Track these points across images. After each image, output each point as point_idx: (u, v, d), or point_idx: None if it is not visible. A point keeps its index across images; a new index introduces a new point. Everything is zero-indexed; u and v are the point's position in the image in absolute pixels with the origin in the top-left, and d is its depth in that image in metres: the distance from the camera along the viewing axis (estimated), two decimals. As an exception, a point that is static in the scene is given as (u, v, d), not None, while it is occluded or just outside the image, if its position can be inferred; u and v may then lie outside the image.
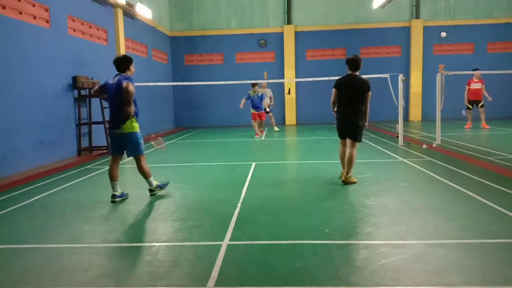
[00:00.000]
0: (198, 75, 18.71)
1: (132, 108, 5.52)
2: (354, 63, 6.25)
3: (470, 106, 14.16)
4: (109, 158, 9.70)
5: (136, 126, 5.68)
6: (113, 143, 5.78)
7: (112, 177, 5.68)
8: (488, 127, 13.95)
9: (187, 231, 4.33)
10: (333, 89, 6.32)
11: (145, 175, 5.82)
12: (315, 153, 9.79)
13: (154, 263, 3.46)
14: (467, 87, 14.21)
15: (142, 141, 5.76)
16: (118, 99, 5.49)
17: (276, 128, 15.43)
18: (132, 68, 5.76)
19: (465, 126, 14.20)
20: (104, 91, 5.72)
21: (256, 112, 13.80)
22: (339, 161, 6.61)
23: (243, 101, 13.94)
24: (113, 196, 5.61)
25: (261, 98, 13.84)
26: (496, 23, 18.48)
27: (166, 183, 6.10)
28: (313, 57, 19.11)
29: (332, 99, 6.38)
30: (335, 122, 6.59)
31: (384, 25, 18.74)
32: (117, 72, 5.67)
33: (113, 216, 4.93)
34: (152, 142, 6.64)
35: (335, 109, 6.47)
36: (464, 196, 5.31)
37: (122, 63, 5.65)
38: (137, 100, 5.84)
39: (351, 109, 6.24)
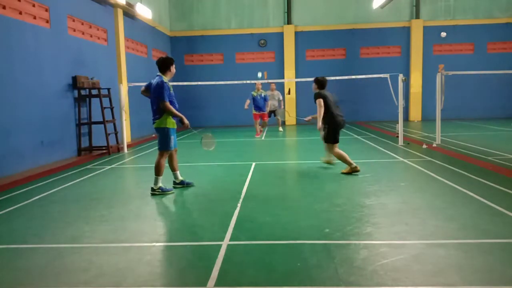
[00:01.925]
0: (198, 75, 18.70)
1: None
2: (324, 83, 7.22)
3: None
4: (109, 158, 9.75)
5: (170, 122, 5.89)
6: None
7: (171, 168, 6.30)
8: None
9: (187, 231, 4.33)
10: (321, 100, 6.95)
11: (157, 170, 5.93)
12: (315, 153, 9.78)
13: (154, 263, 3.46)
14: None
15: (171, 138, 5.95)
16: (153, 97, 5.87)
17: (280, 129, 15.57)
18: (173, 69, 6.06)
19: None
20: (148, 90, 6.06)
21: (257, 113, 13.74)
22: (349, 160, 6.98)
23: (247, 102, 13.89)
24: (174, 182, 6.30)
25: (265, 99, 13.71)
26: (496, 23, 18.48)
27: (169, 189, 6.10)
28: (313, 57, 19.12)
29: (322, 110, 6.92)
30: (330, 130, 7.08)
31: (384, 25, 18.74)
32: (158, 73, 5.97)
33: (113, 216, 4.93)
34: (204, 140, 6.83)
35: (320, 123, 7.11)
36: (464, 196, 5.31)
37: (164, 64, 5.95)
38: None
39: (340, 113, 7.20)
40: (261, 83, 13.84)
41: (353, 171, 6.91)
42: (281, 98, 15.18)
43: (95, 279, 3.18)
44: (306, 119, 7.82)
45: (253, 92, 13.76)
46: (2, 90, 7.56)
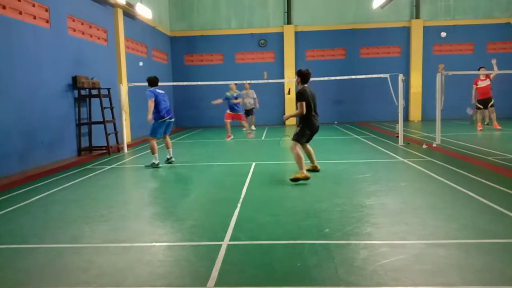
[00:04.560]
0: (198, 75, 18.71)
1: None
2: (308, 76, 6.60)
3: (480, 106, 13.67)
4: (109, 158, 9.75)
5: None
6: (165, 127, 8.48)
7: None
8: (499, 127, 13.47)
9: (187, 231, 4.33)
10: (303, 102, 6.38)
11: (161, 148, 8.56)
12: (315, 153, 9.76)
13: (154, 263, 3.46)
14: (474, 86, 13.75)
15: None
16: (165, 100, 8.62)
17: (253, 127, 15.77)
18: None
19: (478, 128, 13.44)
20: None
21: (231, 112, 12.92)
22: (303, 165, 6.40)
23: (218, 101, 12.92)
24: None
25: (235, 98, 12.80)
26: (496, 23, 18.48)
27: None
28: (313, 57, 19.12)
29: (303, 111, 6.40)
30: (303, 129, 6.61)
31: (384, 25, 18.74)
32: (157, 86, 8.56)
33: (113, 216, 4.93)
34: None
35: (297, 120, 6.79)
36: (464, 196, 5.31)
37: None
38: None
39: (317, 116, 6.72)
40: (236, 84, 13.10)
41: (303, 178, 6.30)
42: (255, 96, 15.24)
43: (95, 279, 3.18)
44: (285, 118, 7.19)
45: (227, 93, 12.91)
46: (2, 90, 7.56)
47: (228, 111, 12.99)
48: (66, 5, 9.97)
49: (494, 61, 13.65)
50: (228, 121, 13.01)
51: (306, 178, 6.33)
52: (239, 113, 13.06)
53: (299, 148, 6.54)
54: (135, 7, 13.40)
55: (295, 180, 6.32)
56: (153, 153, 8.19)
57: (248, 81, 14.32)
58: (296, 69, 18.89)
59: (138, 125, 14.00)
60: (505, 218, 4.38)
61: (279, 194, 5.80)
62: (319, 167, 7.26)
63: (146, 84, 8.72)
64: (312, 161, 7.25)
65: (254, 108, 15.48)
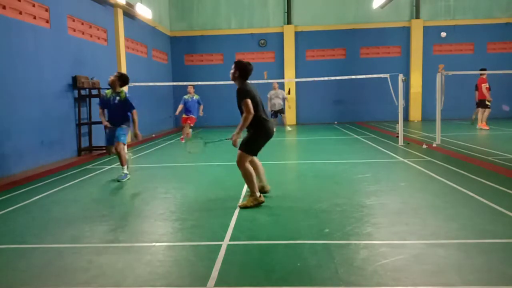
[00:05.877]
0: (198, 75, 18.71)
1: None
2: (250, 72, 5.13)
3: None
4: (109, 158, 9.75)
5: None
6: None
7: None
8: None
9: (187, 231, 4.33)
10: (249, 101, 4.94)
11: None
12: (315, 153, 9.80)
13: (154, 263, 3.46)
14: (487, 84, 13.74)
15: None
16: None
17: (288, 128, 15.52)
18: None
19: (486, 127, 13.52)
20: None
21: (186, 116, 12.30)
22: (255, 185, 5.13)
23: (180, 107, 12.18)
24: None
25: (198, 102, 12.30)
26: (496, 23, 18.49)
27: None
28: (313, 57, 19.12)
29: (251, 110, 4.95)
30: (256, 136, 5.24)
31: (384, 25, 18.75)
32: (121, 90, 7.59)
33: (113, 216, 4.93)
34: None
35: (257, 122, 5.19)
36: (464, 196, 5.31)
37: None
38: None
39: (268, 118, 5.36)
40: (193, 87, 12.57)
41: (257, 203, 5.03)
42: (285, 96, 15.06)
43: (95, 279, 3.18)
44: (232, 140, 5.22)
45: (185, 96, 12.29)
46: (2, 90, 7.56)
47: (183, 114, 12.41)
48: (66, 5, 9.97)
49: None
50: (185, 124, 12.42)
51: (260, 203, 5.05)
52: (191, 116, 12.26)
53: (248, 163, 5.12)
54: (135, 7, 13.40)
55: (244, 207, 5.01)
56: (124, 164, 7.24)
57: (277, 81, 14.16)
58: (296, 69, 18.92)
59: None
60: (505, 218, 4.38)
61: (279, 194, 5.79)
62: (269, 188, 5.62)
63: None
64: (260, 179, 5.50)
65: (283, 108, 15.08)
